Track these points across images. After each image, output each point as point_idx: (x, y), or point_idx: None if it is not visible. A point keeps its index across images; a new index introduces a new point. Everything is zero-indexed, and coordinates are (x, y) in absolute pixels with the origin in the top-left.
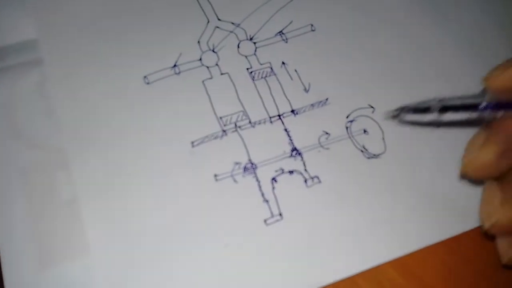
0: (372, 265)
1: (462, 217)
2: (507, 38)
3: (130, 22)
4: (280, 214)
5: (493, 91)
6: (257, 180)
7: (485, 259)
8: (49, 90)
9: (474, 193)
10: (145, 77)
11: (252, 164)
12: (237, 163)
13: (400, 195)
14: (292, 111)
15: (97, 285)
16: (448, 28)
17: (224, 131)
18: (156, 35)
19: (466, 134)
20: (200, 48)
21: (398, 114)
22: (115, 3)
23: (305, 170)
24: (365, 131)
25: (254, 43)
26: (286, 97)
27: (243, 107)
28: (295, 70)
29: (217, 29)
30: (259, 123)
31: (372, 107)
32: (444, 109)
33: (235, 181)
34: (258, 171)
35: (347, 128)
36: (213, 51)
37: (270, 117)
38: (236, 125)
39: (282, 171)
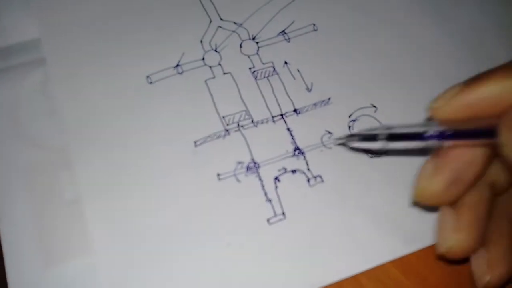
0: (374, 264)
1: None
2: (507, 39)
3: (133, 22)
4: (283, 214)
5: (439, 121)
6: (260, 179)
7: None
8: (52, 90)
9: None
10: (148, 76)
11: (255, 163)
12: (240, 163)
13: (403, 195)
14: (295, 110)
15: (100, 284)
16: (448, 28)
17: (226, 130)
18: (159, 35)
19: None
20: (203, 48)
21: (346, 141)
22: (118, 3)
23: (308, 169)
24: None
25: (257, 42)
26: (288, 96)
27: (245, 106)
28: (298, 70)
29: (219, 28)
30: (262, 123)
31: (374, 106)
32: (391, 137)
33: (238, 180)
34: (261, 171)
35: (349, 127)
36: (215, 50)
37: (273, 117)
38: (238, 124)
39: (285, 171)
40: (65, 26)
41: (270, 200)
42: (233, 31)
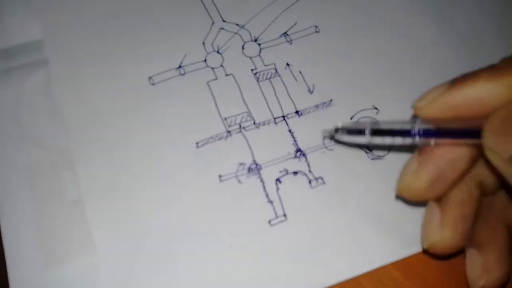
0: (375, 266)
1: None
2: (506, 39)
3: (135, 23)
4: (285, 215)
5: (423, 119)
6: (262, 180)
7: None
8: (54, 91)
9: None
10: (150, 78)
11: (256, 164)
12: (241, 164)
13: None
14: (297, 112)
15: (102, 284)
16: (448, 28)
17: (228, 132)
18: (161, 36)
19: None
20: (205, 49)
21: (334, 134)
22: (121, 4)
23: (310, 171)
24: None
25: (259, 44)
26: (290, 98)
27: (247, 108)
28: (300, 71)
29: (221, 30)
30: (264, 124)
31: (376, 108)
32: (377, 132)
33: (239, 181)
34: (262, 172)
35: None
36: (217, 52)
37: (275, 118)
38: (240, 126)
39: (287, 172)
40: (68, 27)
41: (271, 202)
42: (235, 33)
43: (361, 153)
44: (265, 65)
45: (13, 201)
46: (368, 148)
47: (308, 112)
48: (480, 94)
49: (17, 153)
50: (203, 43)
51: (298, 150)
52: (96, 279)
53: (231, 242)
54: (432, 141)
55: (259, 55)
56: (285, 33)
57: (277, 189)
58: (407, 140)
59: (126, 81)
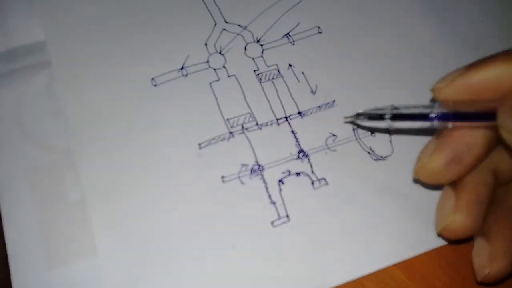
0: (379, 267)
1: None
2: (506, 39)
3: (138, 24)
4: (287, 216)
5: (441, 102)
6: (264, 182)
7: None
8: (57, 92)
9: None
10: (152, 79)
11: (259, 166)
12: (244, 165)
13: (407, 197)
14: (299, 113)
15: (105, 286)
16: (448, 28)
17: (231, 133)
18: (164, 37)
19: None
20: (207, 50)
21: (355, 119)
22: (123, 5)
23: (312, 172)
24: (372, 133)
25: (261, 45)
26: (293, 99)
27: (250, 109)
28: (302, 72)
29: (224, 31)
30: (266, 125)
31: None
32: (396, 117)
33: (242, 182)
34: (265, 173)
35: (354, 130)
36: (220, 53)
37: (277, 119)
38: (243, 127)
39: (289, 173)
40: (70, 28)
41: (274, 203)
42: (238, 34)
43: (364, 153)
44: (268, 66)
45: (15, 202)
46: (388, 132)
47: (311, 113)
48: (496, 76)
49: (19, 154)
50: (206, 44)
51: (301, 151)
52: (98, 280)
53: (234, 243)
54: (450, 124)
55: (261, 56)
56: (288, 34)
57: (280, 190)
58: (426, 124)
59: (128, 82)
